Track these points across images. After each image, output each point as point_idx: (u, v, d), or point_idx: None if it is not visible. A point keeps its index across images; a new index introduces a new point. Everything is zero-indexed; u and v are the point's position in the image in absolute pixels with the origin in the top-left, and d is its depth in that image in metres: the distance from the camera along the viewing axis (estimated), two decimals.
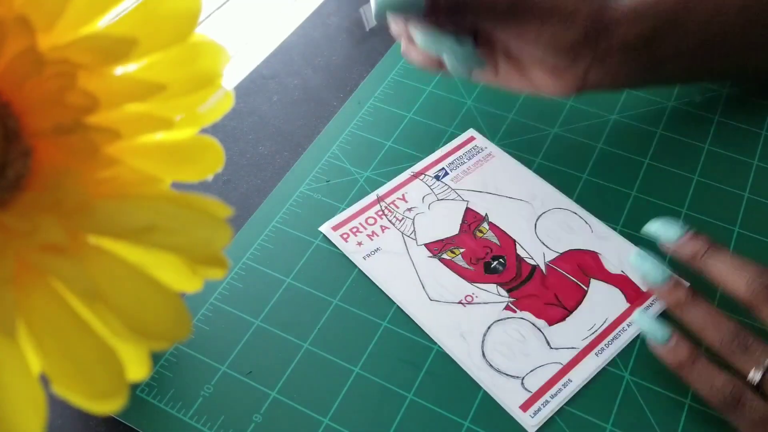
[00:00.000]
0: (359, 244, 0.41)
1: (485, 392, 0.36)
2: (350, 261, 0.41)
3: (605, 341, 0.38)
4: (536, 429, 0.35)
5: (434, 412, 0.35)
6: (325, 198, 0.44)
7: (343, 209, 0.44)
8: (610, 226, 0.43)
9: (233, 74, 0.53)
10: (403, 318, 0.39)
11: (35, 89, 0.19)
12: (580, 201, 0.44)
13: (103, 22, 0.19)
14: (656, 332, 0.35)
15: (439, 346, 0.38)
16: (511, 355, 0.37)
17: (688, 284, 0.36)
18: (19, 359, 0.17)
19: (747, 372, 0.32)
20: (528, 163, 0.46)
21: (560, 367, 0.37)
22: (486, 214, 0.43)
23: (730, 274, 0.34)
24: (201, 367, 0.37)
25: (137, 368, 0.18)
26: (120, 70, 0.20)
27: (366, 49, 0.55)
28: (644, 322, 0.35)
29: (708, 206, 0.44)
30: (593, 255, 0.42)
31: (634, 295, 0.40)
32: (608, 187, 0.45)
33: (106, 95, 0.19)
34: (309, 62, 0.54)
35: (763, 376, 0.32)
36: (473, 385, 0.36)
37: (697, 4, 0.42)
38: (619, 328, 0.39)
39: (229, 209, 0.20)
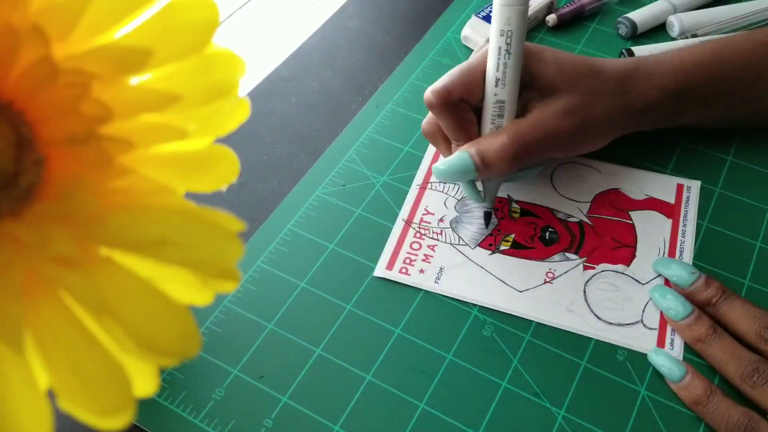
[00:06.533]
0: (422, 271, 0.41)
1: (498, 402, 0.36)
2: (365, 266, 0.41)
3: (676, 257, 0.41)
4: (682, 356, 0.37)
5: (446, 422, 0.35)
6: (341, 202, 0.44)
7: (359, 213, 0.43)
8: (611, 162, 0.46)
9: (252, 76, 0.53)
10: (416, 326, 0.38)
11: (49, 98, 0.19)
12: None
13: (119, 32, 0.19)
14: (672, 370, 0.35)
15: (452, 356, 0.37)
16: (617, 306, 0.39)
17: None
18: (26, 373, 0.17)
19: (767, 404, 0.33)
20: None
21: None
22: (508, 195, 0.44)
23: (742, 320, 0.35)
24: (213, 370, 0.37)
25: (145, 384, 0.18)
26: (135, 80, 0.20)
27: (386, 52, 0.55)
28: (660, 360, 0.36)
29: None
30: (616, 191, 0.44)
31: (670, 210, 0.43)
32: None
33: (120, 105, 0.19)
34: (328, 65, 0.54)
35: None
36: (486, 395, 0.36)
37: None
38: (678, 242, 0.42)
39: (241, 224, 0.20)
